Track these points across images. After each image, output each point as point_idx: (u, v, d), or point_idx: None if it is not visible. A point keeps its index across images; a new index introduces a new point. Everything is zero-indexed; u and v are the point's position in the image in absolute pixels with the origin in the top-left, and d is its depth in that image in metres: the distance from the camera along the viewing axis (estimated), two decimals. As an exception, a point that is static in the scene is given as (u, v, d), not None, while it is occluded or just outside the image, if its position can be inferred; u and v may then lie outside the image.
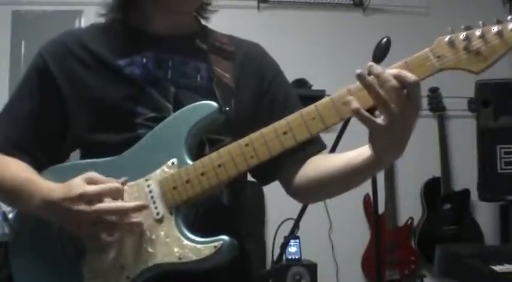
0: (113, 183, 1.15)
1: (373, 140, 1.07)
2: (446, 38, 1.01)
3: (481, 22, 0.99)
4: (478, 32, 0.98)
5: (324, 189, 1.26)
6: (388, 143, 1.05)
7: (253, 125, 1.17)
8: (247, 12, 3.90)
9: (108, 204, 1.12)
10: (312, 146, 1.28)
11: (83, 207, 1.11)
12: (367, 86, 1.00)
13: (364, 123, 1.02)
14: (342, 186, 1.23)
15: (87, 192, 1.12)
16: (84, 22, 3.73)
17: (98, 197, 1.12)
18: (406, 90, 0.99)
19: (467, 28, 1.00)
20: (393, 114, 0.99)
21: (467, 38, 0.99)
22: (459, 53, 1.00)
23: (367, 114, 1.01)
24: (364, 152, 1.13)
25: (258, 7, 3.96)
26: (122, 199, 1.15)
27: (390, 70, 1.01)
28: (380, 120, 1.01)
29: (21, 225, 1.32)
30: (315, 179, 1.25)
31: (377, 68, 1.00)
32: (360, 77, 1.00)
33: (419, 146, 3.89)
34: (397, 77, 0.99)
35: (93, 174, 1.16)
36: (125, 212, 1.14)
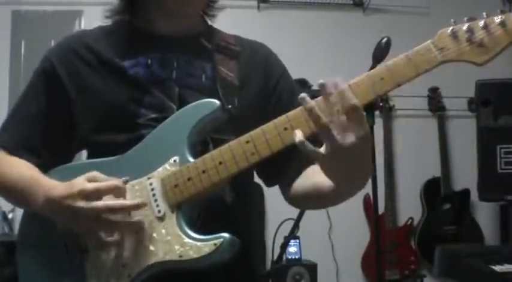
0: (113, 181, 1.15)
1: (323, 169, 1.07)
2: (449, 30, 1.00)
3: (484, 13, 0.98)
4: (481, 23, 0.97)
5: (315, 201, 1.27)
6: (338, 171, 1.05)
7: (258, 123, 1.15)
8: (247, 12, 3.89)
9: (106, 201, 1.12)
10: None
11: (82, 204, 1.11)
12: (308, 110, 0.99)
13: (306, 153, 1.01)
14: (330, 201, 1.23)
15: (86, 188, 1.12)
16: (84, 22, 3.73)
17: (97, 193, 1.12)
18: (349, 115, 0.97)
19: (470, 19, 0.99)
20: (334, 141, 0.98)
21: (470, 30, 0.98)
22: (462, 44, 0.99)
23: (310, 146, 1.00)
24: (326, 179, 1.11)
25: (258, 7, 3.96)
26: (124, 197, 1.15)
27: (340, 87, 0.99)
28: (322, 149, 1.00)
29: (27, 225, 1.32)
30: (310, 190, 1.24)
31: (328, 87, 0.99)
32: (302, 100, 1.00)
33: (419, 146, 3.90)
34: (340, 96, 0.97)
35: (95, 173, 1.16)
36: (123, 210, 1.14)
